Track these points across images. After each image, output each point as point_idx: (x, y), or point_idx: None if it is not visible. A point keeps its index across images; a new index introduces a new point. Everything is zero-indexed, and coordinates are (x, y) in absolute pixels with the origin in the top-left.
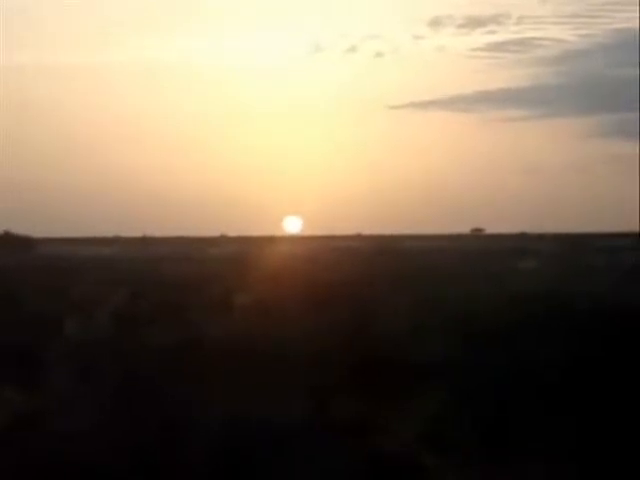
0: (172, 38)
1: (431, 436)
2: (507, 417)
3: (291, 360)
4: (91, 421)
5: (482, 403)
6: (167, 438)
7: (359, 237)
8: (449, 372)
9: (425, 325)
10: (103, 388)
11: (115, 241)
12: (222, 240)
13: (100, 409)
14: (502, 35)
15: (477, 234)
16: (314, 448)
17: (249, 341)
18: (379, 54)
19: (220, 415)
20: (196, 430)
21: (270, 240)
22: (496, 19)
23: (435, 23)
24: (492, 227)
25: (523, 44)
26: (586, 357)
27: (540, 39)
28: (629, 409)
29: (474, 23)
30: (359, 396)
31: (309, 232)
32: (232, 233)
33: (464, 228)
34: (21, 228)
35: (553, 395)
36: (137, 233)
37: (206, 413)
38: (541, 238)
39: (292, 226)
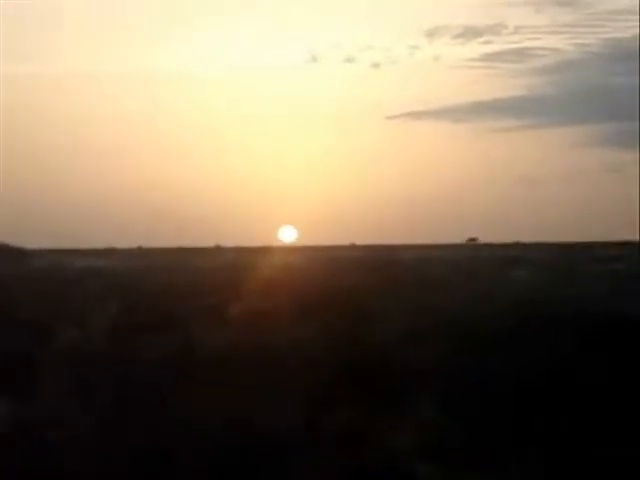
0: (171, 46)
1: (424, 444)
2: (499, 424)
3: (286, 369)
4: (83, 431)
5: (474, 410)
6: (160, 448)
7: (353, 247)
8: (441, 379)
9: (418, 333)
10: (97, 398)
11: (110, 252)
12: (217, 250)
13: (94, 419)
14: (498, 45)
15: (471, 244)
16: (308, 456)
17: (243, 350)
18: (375, 64)
19: (214, 425)
20: (190, 440)
21: (265, 250)
22: (492, 29)
23: (431, 33)
24: (486, 236)
25: (520, 54)
26: (578, 365)
27: (537, 49)
28: (622, 415)
29: (470, 33)
30: (352, 404)
31: (304, 242)
32: (227, 243)
33: (459, 238)
34: (15, 240)
35: (545, 402)
36: (132, 244)
37: (200, 422)
38: (535, 247)
39: (287, 236)
